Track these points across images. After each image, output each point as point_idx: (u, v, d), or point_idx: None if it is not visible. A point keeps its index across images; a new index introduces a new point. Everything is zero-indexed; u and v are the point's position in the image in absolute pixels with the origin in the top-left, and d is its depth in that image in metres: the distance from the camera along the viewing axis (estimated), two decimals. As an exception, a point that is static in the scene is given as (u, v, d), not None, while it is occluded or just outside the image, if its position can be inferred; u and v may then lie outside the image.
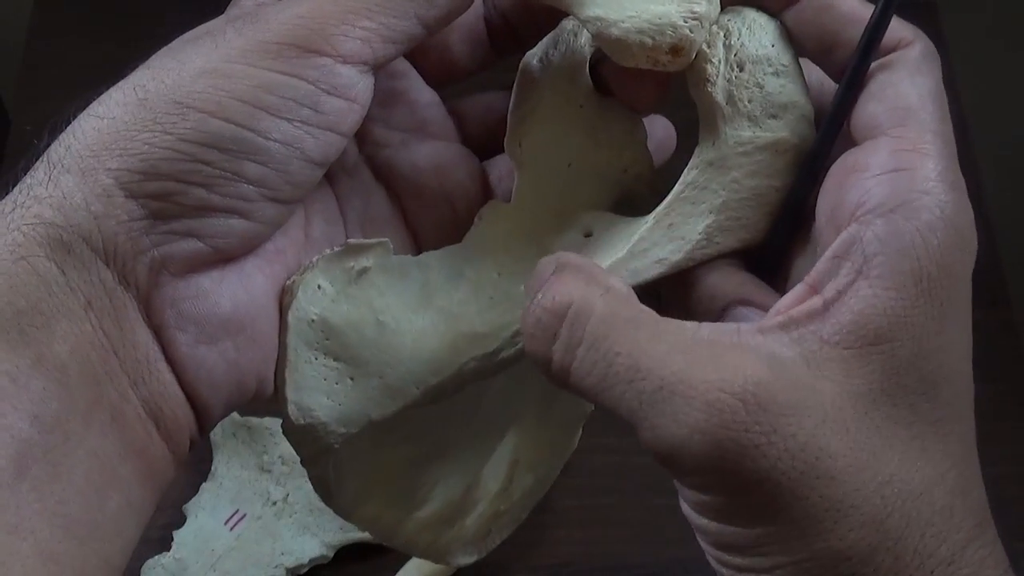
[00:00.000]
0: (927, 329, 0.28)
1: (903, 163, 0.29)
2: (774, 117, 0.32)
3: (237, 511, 0.59)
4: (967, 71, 0.77)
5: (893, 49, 0.30)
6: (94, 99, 0.31)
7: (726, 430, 0.27)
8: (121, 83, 0.30)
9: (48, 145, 0.30)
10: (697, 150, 0.33)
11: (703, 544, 0.30)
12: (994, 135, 0.79)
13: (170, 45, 0.32)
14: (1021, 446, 0.64)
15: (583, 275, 0.30)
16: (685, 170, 0.32)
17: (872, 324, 0.27)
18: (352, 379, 0.33)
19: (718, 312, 0.32)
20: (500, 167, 0.36)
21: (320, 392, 0.33)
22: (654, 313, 0.29)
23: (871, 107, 0.30)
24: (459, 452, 0.37)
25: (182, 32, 0.88)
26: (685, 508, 0.29)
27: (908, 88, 0.30)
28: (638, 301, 0.29)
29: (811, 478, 0.27)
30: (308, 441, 0.34)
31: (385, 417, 0.34)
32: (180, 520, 0.59)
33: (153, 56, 0.32)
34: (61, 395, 0.28)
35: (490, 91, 0.37)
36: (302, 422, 0.33)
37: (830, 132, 0.31)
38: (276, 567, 0.58)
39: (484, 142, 0.37)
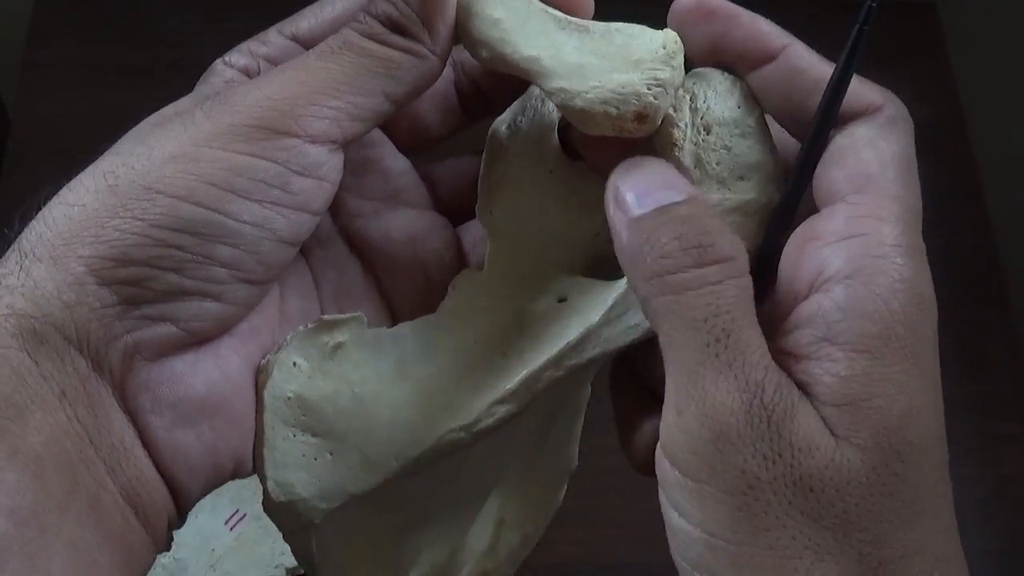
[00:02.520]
0: (912, 386, 0.28)
1: (858, 229, 0.29)
2: (742, 179, 0.32)
3: (237, 511, 0.59)
4: (967, 71, 0.77)
5: (861, 114, 0.30)
6: (65, 185, 0.30)
7: (749, 420, 0.27)
8: (91, 168, 0.30)
9: (19, 232, 0.30)
10: None
11: (679, 562, 0.29)
12: (994, 135, 0.79)
13: (139, 127, 0.32)
14: (1021, 446, 0.64)
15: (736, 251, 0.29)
16: None
17: (857, 384, 0.27)
18: (331, 454, 0.33)
19: None
20: (474, 232, 0.36)
21: (299, 468, 0.33)
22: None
23: (832, 173, 0.30)
24: (443, 517, 0.37)
25: (182, 32, 0.88)
26: (668, 513, 0.29)
27: (869, 154, 0.30)
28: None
29: (798, 513, 0.27)
30: (289, 518, 0.34)
31: (365, 491, 0.34)
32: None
33: (121, 139, 0.32)
34: (36, 487, 0.28)
35: (462, 155, 0.37)
36: (282, 499, 0.33)
37: (792, 197, 0.31)
38: (276, 567, 0.58)
39: (457, 207, 0.37)
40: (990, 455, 0.63)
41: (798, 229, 0.30)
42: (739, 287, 0.28)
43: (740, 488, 0.27)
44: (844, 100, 0.30)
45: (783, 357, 0.29)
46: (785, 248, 0.31)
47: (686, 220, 0.29)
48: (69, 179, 0.31)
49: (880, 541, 0.27)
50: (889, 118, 0.30)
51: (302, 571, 0.58)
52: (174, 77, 0.75)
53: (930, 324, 0.29)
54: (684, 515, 0.28)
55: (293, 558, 0.58)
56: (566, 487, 0.40)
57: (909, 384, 0.28)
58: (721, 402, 0.27)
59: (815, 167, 0.31)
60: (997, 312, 0.68)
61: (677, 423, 0.28)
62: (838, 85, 0.30)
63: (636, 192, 0.30)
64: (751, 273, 0.30)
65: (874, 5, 0.29)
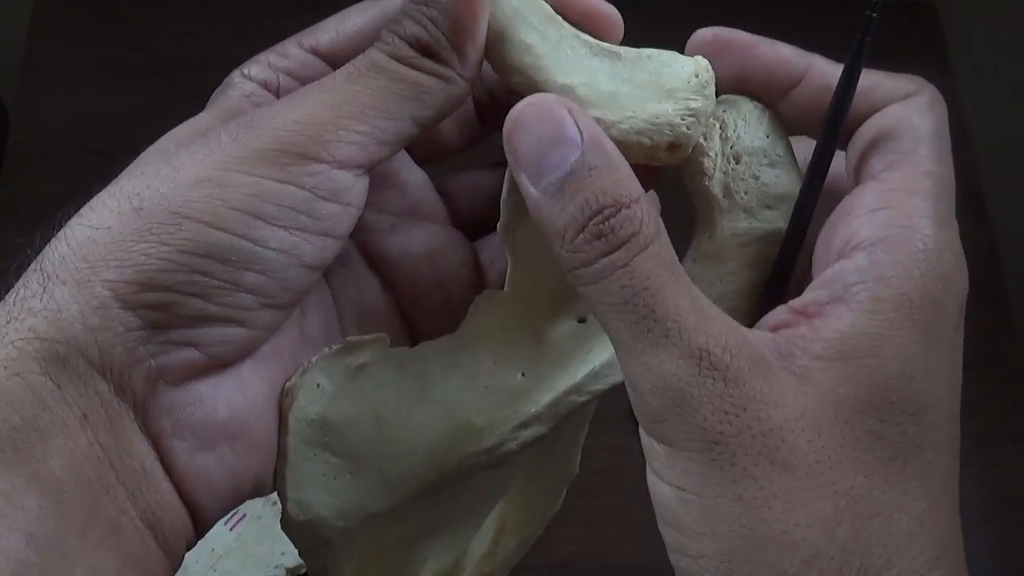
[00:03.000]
0: (911, 351, 0.28)
1: (887, 202, 0.29)
2: (769, 208, 0.32)
3: (237, 511, 0.59)
4: (967, 71, 0.77)
5: (897, 101, 0.30)
6: (84, 201, 0.30)
7: (702, 382, 0.27)
8: (113, 188, 0.30)
9: (39, 250, 0.30)
10: (694, 242, 0.33)
11: (661, 528, 0.30)
12: (994, 135, 0.79)
13: (161, 145, 0.31)
14: (1021, 446, 0.64)
15: (643, 197, 0.29)
16: (682, 261, 0.33)
17: (854, 340, 0.28)
18: (351, 473, 0.33)
19: None
20: (491, 248, 0.36)
21: (319, 487, 0.33)
22: (683, 269, 0.29)
23: (866, 152, 0.30)
24: (450, 528, 0.37)
25: (182, 32, 0.87)
26: (651, 480, 0.29)
27: (905, 131, 0.30)
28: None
29: (766, 463, 0.27)
30: (307, 536, 0.34)
31: (383, 511, 0.34)
32: (180, 520, 0.59)
33: (143, 155, 0.31)
34: (57, 512, 0.27)
35: (477, 169, 0.37)
36: (302, 518, 0.33)
37: (802, 214, 0.31)
38: (276, 567, 0.58)
39: (474, 221, 0.36)
40: (990, 455, 0.63)
41: (832, 212, 0.31)
42: (651, 258, 0.28)
43: (705, 444, 0.27)
44: (878, 98, 0.30)
45: (795, 315, 0.29)
46: (821, 231, 0.31)
47: (583, 194, 0.28)
48: (87, 193, 0.30)
49: (855, 495, 0.27)
50: (928, 100, 0.30)
51: (302, 571, 0.58)
52: (174, 78, 0.75)
53: (954, 296, 0.29)
54: (661, 476, 0.29)
55: (293, 558, 0.58)
56: (565, 492, 0.40)
57: (909, 349, 0.28)
58: (669, 372, 0.27)
59: (826, 172, 0.31)
60: (997, 312, 0.68)
61: (637, 399, 0.29)
62: (842, 101, 0.30)
63: (528, 165, 0.29)
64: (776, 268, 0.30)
65: (874, 15, 0.29)
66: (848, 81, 0.30)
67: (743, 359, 0.28)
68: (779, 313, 0.29)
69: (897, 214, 0.29)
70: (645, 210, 0.28)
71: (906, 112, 0.30)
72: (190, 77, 0.73)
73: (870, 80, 0.31)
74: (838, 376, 0.28)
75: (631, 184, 0.29)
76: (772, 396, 0.27)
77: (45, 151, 0.72)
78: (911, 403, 0.28)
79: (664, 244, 0.29)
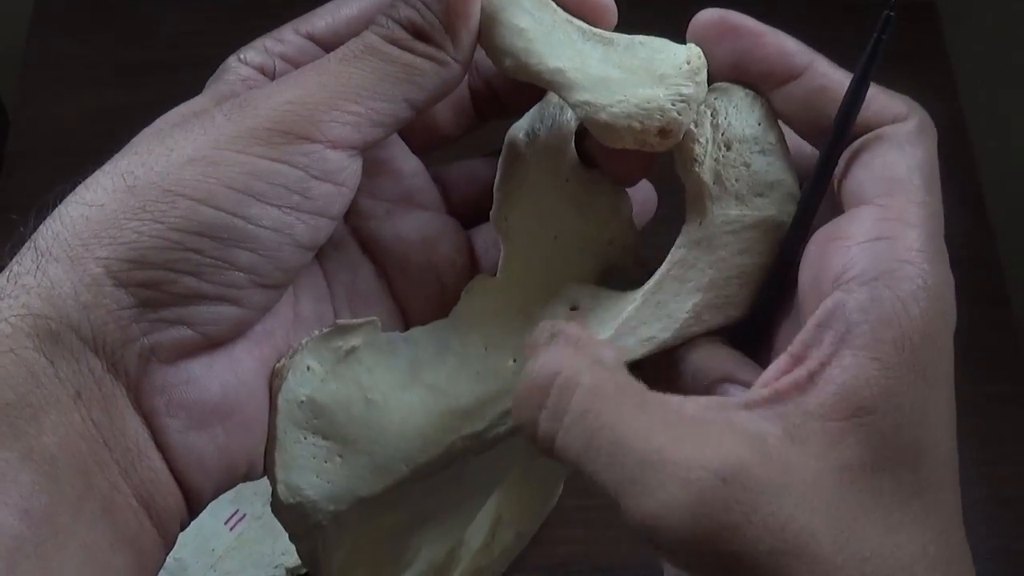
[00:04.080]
0: (909, 399, 0.28)
1: (886, 232, 0.29)
2: (761, 195, 0.32)
3: (237, 511, 0.59)
4: (967, 71, 0.77)
5: (888, 123, 0.30)
6: (78, 183, 0.30)
7: (705, 508, 0.26)
8: (108, 167, 0.30)
9: (34, 229, 0.30)
10: (684, 228, 0.33)
11: None
12: (994, 135, 0.79)
13: (156, 126, 0.32)
14: (1021, 446, 0.64)
15: (575, 345, 0.29)
16: (672, 248, 0.33)
17: (855, 395, 0.27)
18: (341, 457, 0.33)
19: (702, 391, 0.31)
20: (485, 236, 0.36)
21: (309, 471, 0.33)
22: (642, 386, 0.29)
23: (859, 175, 0.30)
24: (444, 517, 0.37)
25: (182, 32, 0.87)
26: None
27: (897, 158, 0.30)
28: (627, 373, 0.29)
29: (792, 557, 0.26)
30: (297, 519, 0.34)
31: (374, 494, 0.34)
32: (180, 520, 0.59)
33: (139, 136, 0.31)
34: (51, 488, 0.28)
35: (474, 158, 0.37)
36: (291, 501, 0.33)
37: (809, 207, 0.31)
38: (276, 567, 0.58)
39: (469, 210, 0.37)
40: (990, 455, 0.63)
41: (821, 229, 0.30)
42: (589, 394, 0.28)
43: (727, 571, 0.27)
44: (870, 112, 0.30)
45: (794, 361, 0.28)
46: (807, 249, 0.31)
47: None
48: (83, 176, 0.31)
49: (874, 559, 0.27)
50: (917, 127, 0.30)
51: (302, 571, 0.58)
52: (174, 77, 0.75)
53: (949, 332, 0.29)
54: None
55: (293, 558, 0.58)
56: (562, 486, 0.40)
57: (907, 398, 0.27)
58: (674, 508, 0.26)
59: (830, 177, 0.31)
60: (997, 312, 0.68)
61: (656, 542, 0.27)
62: (855, 95, 0.30)
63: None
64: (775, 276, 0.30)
65: (892, 14, 0.29)
66: (863, 78, 0.30)
67: (741, 455, 0.27)
68: (779, 362, 0.29)
69: (897, 248, 0.28)
70: (563, 347, 0.29)
71: (899, 138, 0.30)
72: (190, 76, 0.73)
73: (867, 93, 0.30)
74: (836, 438, 0.27)
75: (543, 332, 0.30)
76: (777, 482, 0.27)
77: (45, 151, 0.72)
78: (906, 454, 0.28)
79: (604, 367, 0.29)
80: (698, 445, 0.27)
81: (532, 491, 0.39)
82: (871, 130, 0.31)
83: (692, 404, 0.28)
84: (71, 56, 0.76)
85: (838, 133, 0.30)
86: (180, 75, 0.76)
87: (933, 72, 0.75)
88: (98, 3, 0.79)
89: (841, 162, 0.31)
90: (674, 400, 0.28)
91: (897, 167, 0.30)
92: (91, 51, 0.76)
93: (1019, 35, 0.82)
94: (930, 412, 0.28)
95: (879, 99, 0.31)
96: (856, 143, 0.31)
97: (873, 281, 0.28)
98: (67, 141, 0.72)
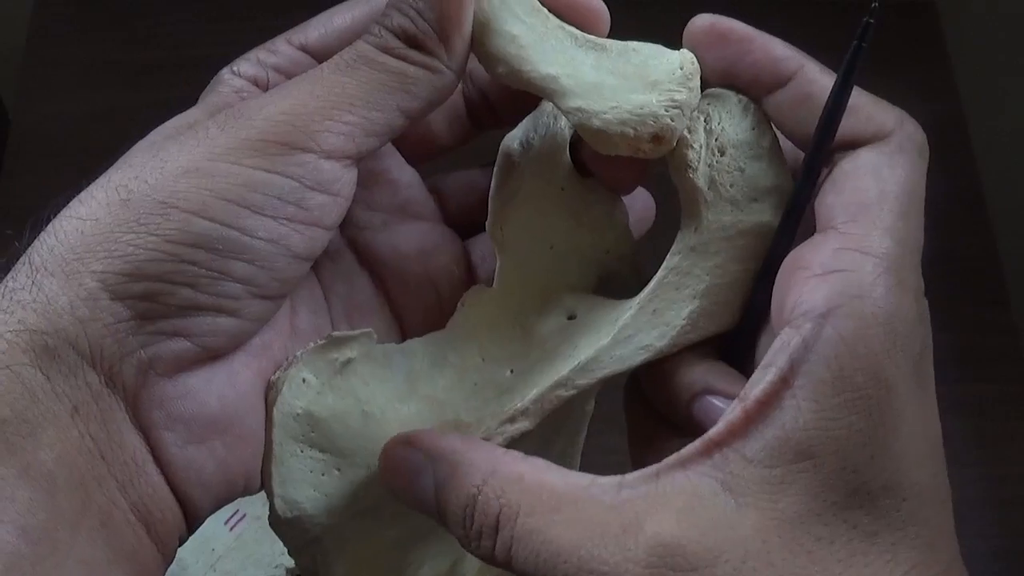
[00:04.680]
0: (852, 442, 0.27)
1: (843, 263, 0.28)
2: (755, 200, 0.32)
3: (237, 511, 0.59)
4: (966, 71, 0.77)
5: (872, 139, 0.30)
6: (74, 194, 0.30)
7: None
8: (102, 181, 0.30)
9: (29, 244, 0.30)
10: (680, 235, 0.32)
11: None
12: (994, 135, 0.79)
13: (150, 138, 0.31)
14: (1021, 446, 0.64)
15: (499, 471, 0.30)
16: (668, 255, 0.32)
17: (793, 441, 0.27)
18: (338, 470, 0.33)
19: (686, 403, 0.32)
20: (482, 246, 0.36)
21: (306, 484, 0.33)
22: (572, 485, 0.29)
23: (829, 199, 0.30)
24: (444, 532, 0.37)
25: (182, 32, 0.87)
26: None
27: (869, 183, 0.29)
28: (552, 473, 0.30)
29: None
30: (295, 533, 0.34)
31: (372, 507, 0.34)
32: (180, 520, 0.59)
33: (132, 149, 0.31)
34: (49, 504, 0.27)
35: (470, 168, 0.37)
36: (289, 515, 0.33)
37: (792, 216, 0.31)
38: (276, 567, 0.58)
39: (465, 221, 0.36)
40: (990, 455, 0.63)
41: (790, 254, 0.30)
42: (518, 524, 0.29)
43: None
44: (856, 123, 0.30)
45: (743, 412, 0.28)
46: (779, 272, 0.30)
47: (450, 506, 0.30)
48: (76, 188, 0.30)
49: None
50: (899, 144, 0.30)
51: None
52: (174, 77, 0.75)
53: (905, 364, 0.28)
54: None
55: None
56: None
57: (849, 441, 0.27)
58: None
59: (813, 186, 0.31)
60: (997, 312, 0.68)
61: None
62: (835, 104, 0.30)
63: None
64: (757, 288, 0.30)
65: (871, 21, 0.29)
66: (843, 86, 0.29)
67: (668, 534, 0.27)
68: (732, 411, 0.28)
69: (850, 280, 0.28)
70: (490, 480, 0.30)
71: (877, 160, 0.30)
72: (190, 77, 0.73)
73: (856, 99, 0.30)
74: (778, 486, 0.27)
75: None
76: (712, 550, 0.27)
77: (45, 151, 0.72)
78: (854, 497, 0.27)
79: (530, 483, 0.29)
80: (623, 540, 0.27)
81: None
82: (855, 144, 0.30)
83: (625, 491, 0.28)
84: (71, 56, 0.76)
85: (817, 144, 0.30)
86: (179, 75, 0.76)
87: (933, 72, 0.75)
88: (98, 3, 0.79)
89: (821, 179, 0.31)
90: (606, 489, 0.29)
91: (867, 191, 0.29)
92: (91, 51, 0.77)
93: (1019, 35, 0.82)
94: (882, 451, 0.27)
95: (865, 110, 0.30)
96: (835, 160, 0.30)
97: (819, 318, 0.28)
98: (67, 141, 0.72)
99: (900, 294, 0.28)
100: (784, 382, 0.27)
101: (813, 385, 0.27)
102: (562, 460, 0.38)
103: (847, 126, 0.30)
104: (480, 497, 0.29)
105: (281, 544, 0.57)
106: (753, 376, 0.28)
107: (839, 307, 0.28)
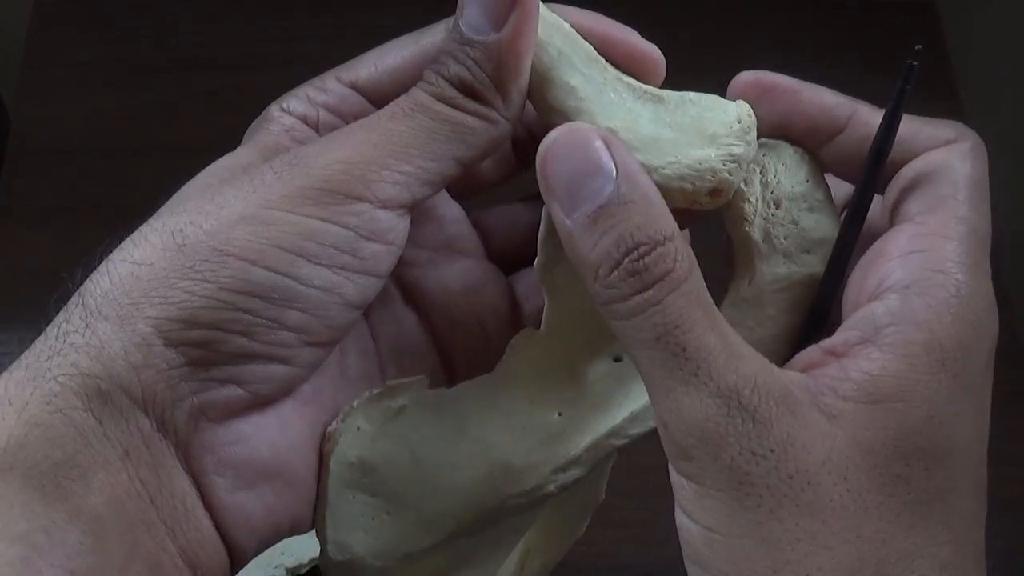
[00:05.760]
0: (940, 397, 0.28)
1: (921, 246, 0.29)
2: (808, 252, 0.32)
3: (237, 511, 0.59)
4: (966, 72, 0.77)
5: (939, 146, 0.31)
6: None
7: (730, 422, 0.27)
8: (155, 223, 0.30)
9: (80, 283, 0.30)
10: (732, 286, 0.33)
11: (687, 564, 0.29)
12: (994, 135, 0.79)
13: (203, 179, 0.31)
14: (1021, 446, 0.64)
15: (677, 233, 0.29)
16: (721, 305, 0.33)
17: (884, 384, 0.28)
18: (389, 514, 0.33)
19: None
20: (526, 283, 0.36)
21: (358, 528, 0.33)
22: (715, 307, 0.29)
23: (904, 197, 0.30)
24: (481, 558, 0.37)
25: (182, 32, 0.87)
26: (679, 517, 0.29)
27: (943, 176, 0.30)
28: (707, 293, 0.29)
29: (792, 505, 0.27)
30: (347, 575, 0.34)
31: (421, 549, 0.34)
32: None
33: (185, 189, 0.31)
34: (97, 548, 0.27)
35: (512, 203, 0.37)
36: (340, 558, 0.33)
37: (842, 257, 0.32)
38: (276, 567, 0.57)
39: (509, 256, 0.36)
40: (990, 455, 0.63)
41: (866, 253, 0.31)
42: (684, 296, 0.28)
43: (732, 485, 0.27)
44: (919, 142, 0.31)
45: (826, 356, 0.29)
46: (853, 272, 0.31)
47: (617, 229, 0.28)
48: (128, 228, 0.30)
49: (878, 540, 0.27)
50: (970, 147, 0.31)
51: (302, 571, 0.58)
52: (174, 77, 0.75)
53: (984, 342, 0.29)
54: (689, 515, 0.29)
55: (293, 558, 0.58)
56: (590, 517, 0.40)
57: (938, 395, 0.28)
58: (698, 411, 0.27)
59: (864, 216, 0.31)
60: (997, 312, 0.68)
61: (666, 435, 0.28)
62: (882, 144, 0.30)
63: (561, 195, 0.29)
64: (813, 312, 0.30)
65: (916, 64, 0.29)
66: (888, 127, 0.30)
67: (772, 400, 0.27)
68: (811, 353, 0.29)
69: (931, 258, 0.29)
70: (679, 247, 0.28)
71: (946, 157, 0.30)
72: (190, 77, 0.73)
73: (911, 127, 0.31)
74: (866, 419, 0.27)
75: (665, 220, 0.29)
76: (800, 438, 0.27)
77: (45, 151, 0.72)
78: (938, 449, 0.28)
79: (697, 282, 0.29)
80: (750, 370, 0.28)
81: (562, 525, 0.39)
82: (925, 150, 0.31)
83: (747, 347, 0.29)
84: (71, 56, 0.76)
85: (866, 182, 0.31)
86: (180, 75, 0.76)
87: (933, 72, 0.75)
88: (98, 3, 0.78)
89: (894, 192, 0.31)
90: (737, 338, 0.29)
91: (941, 185, 0.30)
92: (91, 51, 0.76)
93: (1019, 35, 0.82)
94: (960, 415, 0.28)
95: (925, 131, 0.31)
96: (906, 168, 0.31)
97: (904, 289, 0.28)
98: (67, 141, 0.72)
99: (979, 275, 0.29)
100: (870, 341, 0.28)
101: (903, 344, 0.28)
102: (590, 484, 0.39)
103: (917, 142, 0.31)
104: (661, 249, 0.28)
105: (281, 544, 0.58)
106: (833, 338, 0.29)
107: (921, 280, 0.28)
